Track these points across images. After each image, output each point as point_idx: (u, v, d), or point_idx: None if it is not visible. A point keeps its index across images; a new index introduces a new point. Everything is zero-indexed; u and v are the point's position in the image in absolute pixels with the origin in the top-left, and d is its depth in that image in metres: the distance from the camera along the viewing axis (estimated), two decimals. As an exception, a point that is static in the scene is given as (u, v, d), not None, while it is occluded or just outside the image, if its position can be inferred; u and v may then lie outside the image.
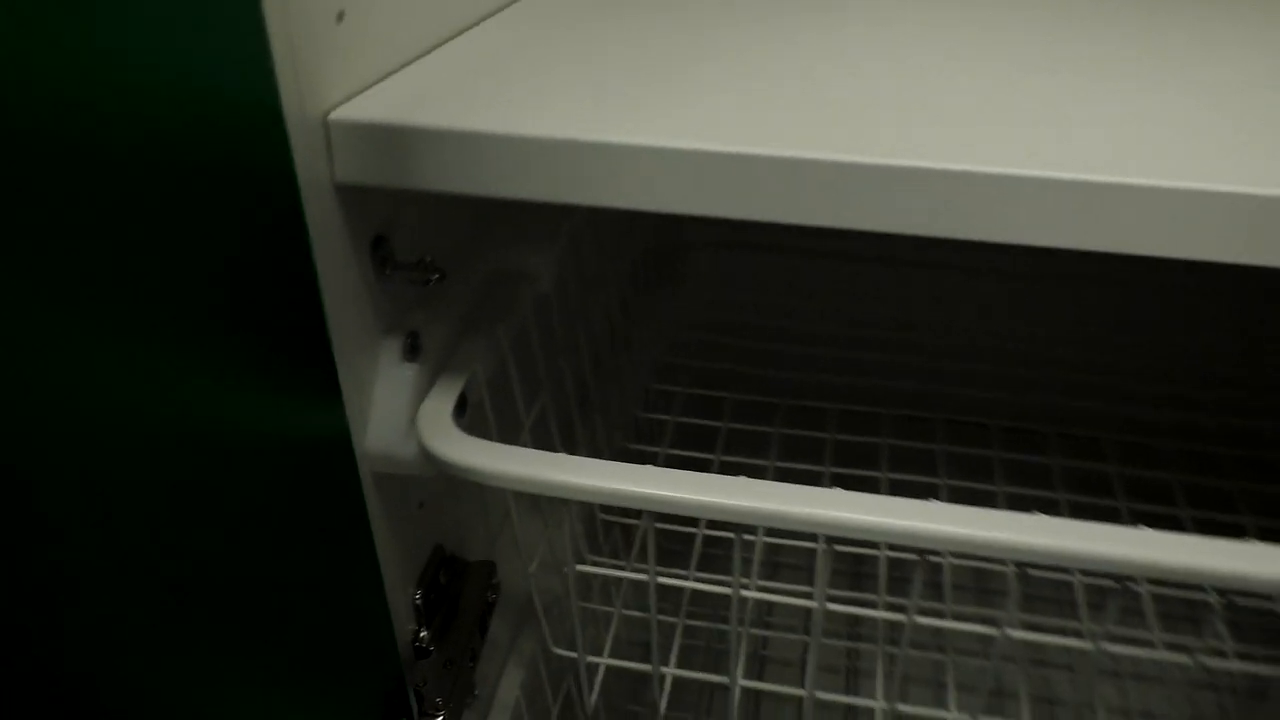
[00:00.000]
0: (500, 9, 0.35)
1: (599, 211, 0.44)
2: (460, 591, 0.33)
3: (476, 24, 0.32)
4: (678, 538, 0.45)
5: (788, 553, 0.57)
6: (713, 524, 0.43)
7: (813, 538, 0.38)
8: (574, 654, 0.34)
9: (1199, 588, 0.38)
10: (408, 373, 0.28)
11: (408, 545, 0.30)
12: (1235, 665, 0.31)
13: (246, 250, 0.20)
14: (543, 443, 0.35)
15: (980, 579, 0.58)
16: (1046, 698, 0.54)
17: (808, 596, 0.31)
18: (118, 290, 0.16)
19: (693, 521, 0.44)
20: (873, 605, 0.42)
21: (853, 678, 0.55)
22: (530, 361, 0.35)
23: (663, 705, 0.34)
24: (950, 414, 0.56)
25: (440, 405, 0.27)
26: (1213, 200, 0.21)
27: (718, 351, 0.58)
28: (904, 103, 0.25)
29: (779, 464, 0.50)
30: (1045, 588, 0.54)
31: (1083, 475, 0.51)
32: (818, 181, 0.22)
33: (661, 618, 0.32)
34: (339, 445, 0.25)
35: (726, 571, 0.33)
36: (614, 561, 0.42)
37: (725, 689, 0.51)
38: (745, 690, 0.37)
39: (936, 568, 0.47)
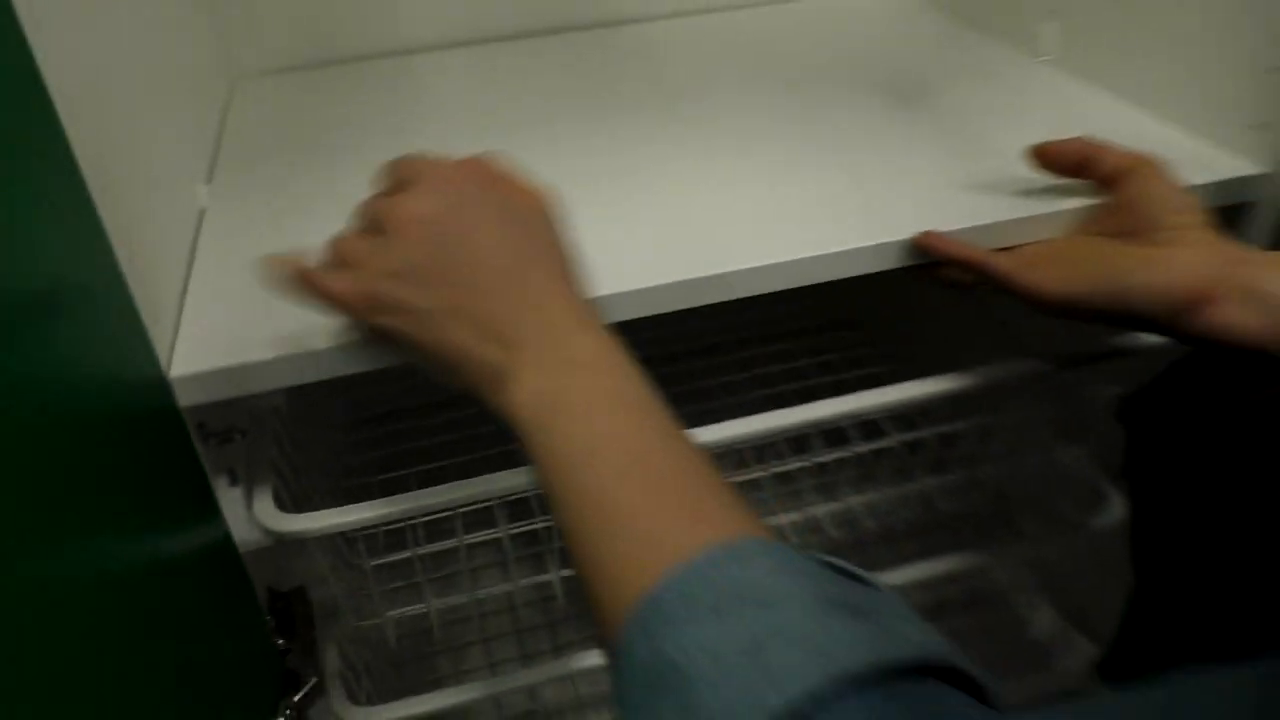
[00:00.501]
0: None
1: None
2: (292, 610, 0.52)
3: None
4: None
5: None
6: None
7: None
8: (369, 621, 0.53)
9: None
10: (236, 493, 0.46)
11: (260, 590, 0.48)
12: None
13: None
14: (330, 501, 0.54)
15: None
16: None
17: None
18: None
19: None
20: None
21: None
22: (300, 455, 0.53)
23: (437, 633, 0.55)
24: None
25: (263, 503, 0.46)
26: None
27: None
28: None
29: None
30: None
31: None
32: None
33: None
34: (227, 544, 0.43)
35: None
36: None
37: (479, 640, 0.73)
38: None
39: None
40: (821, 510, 0.60)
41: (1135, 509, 0.48)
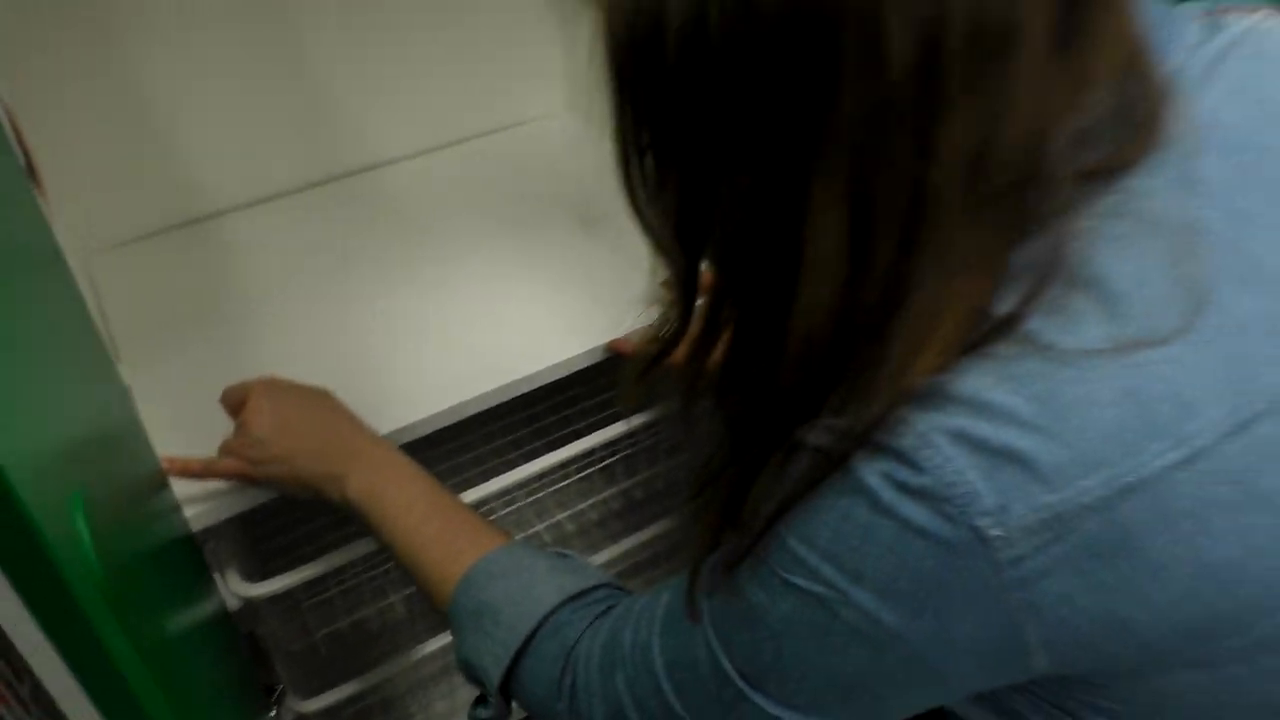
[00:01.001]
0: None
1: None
2: (258, 642, 0.82)
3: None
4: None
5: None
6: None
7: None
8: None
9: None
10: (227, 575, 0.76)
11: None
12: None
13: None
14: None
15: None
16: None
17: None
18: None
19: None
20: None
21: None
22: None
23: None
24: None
25: (231, 579, 0.76)
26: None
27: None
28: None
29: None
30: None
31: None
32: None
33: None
34: (223, 605, 0.74)
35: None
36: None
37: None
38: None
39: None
40: (561, 515, 0.97)
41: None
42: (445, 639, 0.92)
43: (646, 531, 0.99)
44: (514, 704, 0.64)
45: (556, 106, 1.19)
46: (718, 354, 0.49)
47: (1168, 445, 0.38)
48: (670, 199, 0.48)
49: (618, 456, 0.91)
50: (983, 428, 0.38)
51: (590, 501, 0.96)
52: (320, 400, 0.73)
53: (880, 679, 0.44)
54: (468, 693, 1.09)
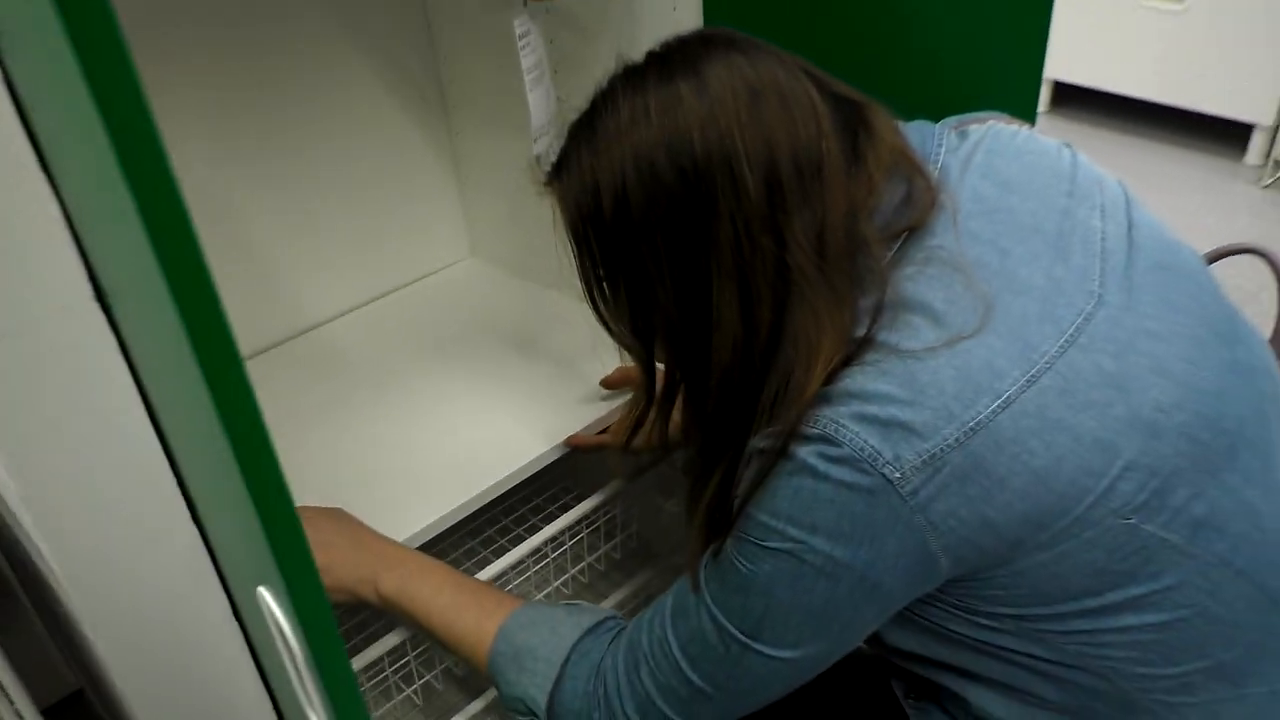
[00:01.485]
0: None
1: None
2: None
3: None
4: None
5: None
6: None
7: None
8: None
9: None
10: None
11: None
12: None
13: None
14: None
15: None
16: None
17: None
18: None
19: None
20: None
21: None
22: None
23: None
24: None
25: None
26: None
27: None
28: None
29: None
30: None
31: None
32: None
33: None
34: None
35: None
36: None
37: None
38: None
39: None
40: (562, 579, 1.12)
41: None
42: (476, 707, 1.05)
43: (639, 578, 1.15)
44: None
45: (464, 253, 1.38)
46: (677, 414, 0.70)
47: (990, 398, 0.58)
48: (623, 310, 0.69)
49: (595, 526, 1.08)
50: (872, 409, 0.58)
51: (583, 563, 1.12)
52: (341, 517, 0.88)
53: (842, 604, 0.62)
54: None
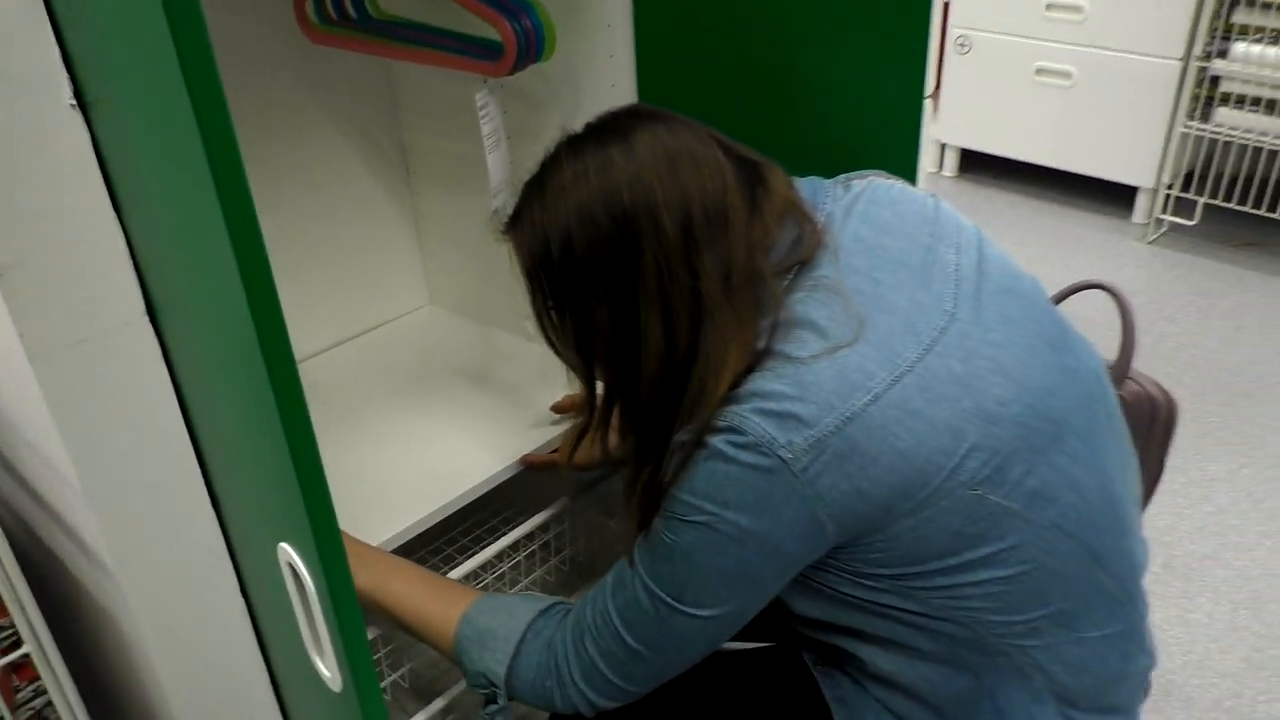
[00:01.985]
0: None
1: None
2: None
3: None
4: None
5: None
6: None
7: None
8: None
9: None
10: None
11: None
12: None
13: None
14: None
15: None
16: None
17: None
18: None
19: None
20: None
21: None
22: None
23: None
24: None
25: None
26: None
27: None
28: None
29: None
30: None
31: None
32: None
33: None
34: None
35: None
36: None
37: None
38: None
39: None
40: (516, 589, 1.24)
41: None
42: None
43: (583, 590, 1.28)
44: (513, 701, 0.90)
45: (423, 300, 1.52)
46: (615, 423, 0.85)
47: (863, 394, 0.74)
48: (569, 335, 0.84)
49: (545, 541, 1.21)
50: (770, 404, 0.73)
51: (537, 572, 1.24)
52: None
53: (750, 565, 0.76)
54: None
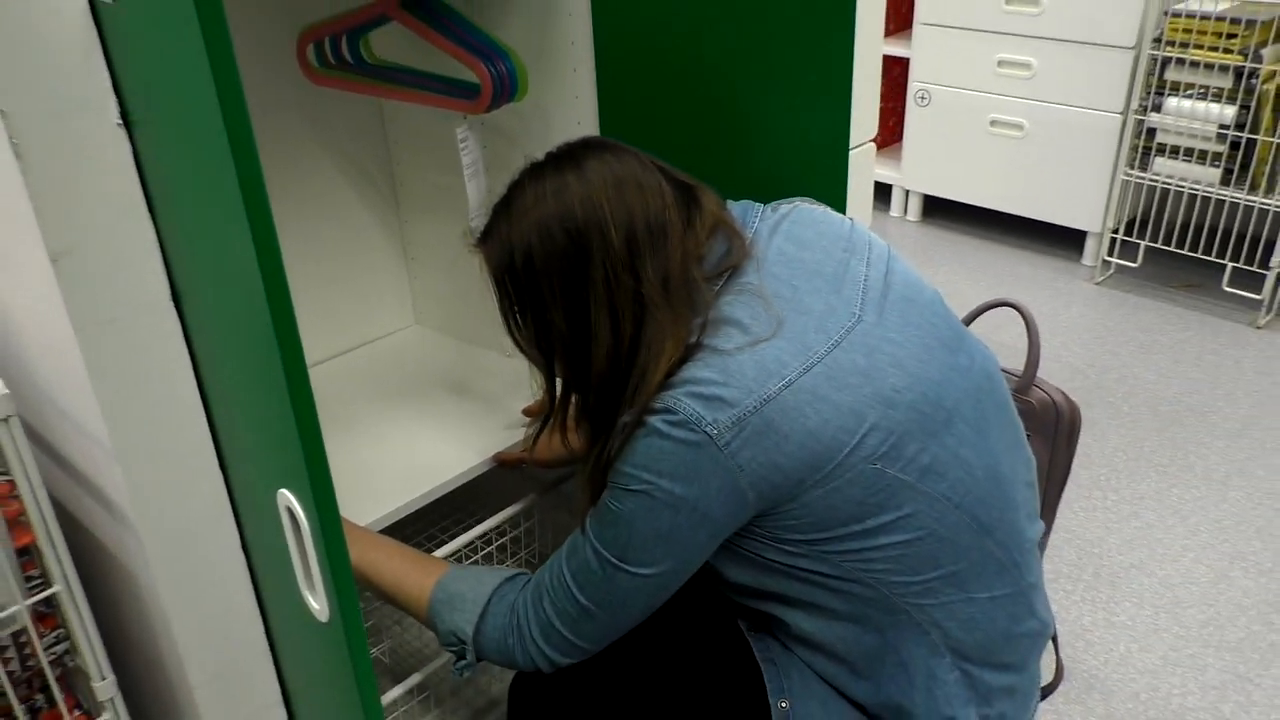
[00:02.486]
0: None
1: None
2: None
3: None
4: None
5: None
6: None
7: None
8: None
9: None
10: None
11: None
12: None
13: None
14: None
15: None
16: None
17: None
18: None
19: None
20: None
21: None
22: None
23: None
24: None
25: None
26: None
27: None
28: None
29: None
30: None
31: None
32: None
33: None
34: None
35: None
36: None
37: None
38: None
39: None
40: None
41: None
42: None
43: None
44: (481, 662, 1.02)
45: (409, 320, 1.65)
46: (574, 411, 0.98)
47: (777, 380, 0.87)
48: (531, 334, 0.98)
49: (516, 534, 1.33)
50: (699, 389, 0.87)
51: (512, 561, 1.36)
52: None
53: (682, 529, 0.89)
54: None
